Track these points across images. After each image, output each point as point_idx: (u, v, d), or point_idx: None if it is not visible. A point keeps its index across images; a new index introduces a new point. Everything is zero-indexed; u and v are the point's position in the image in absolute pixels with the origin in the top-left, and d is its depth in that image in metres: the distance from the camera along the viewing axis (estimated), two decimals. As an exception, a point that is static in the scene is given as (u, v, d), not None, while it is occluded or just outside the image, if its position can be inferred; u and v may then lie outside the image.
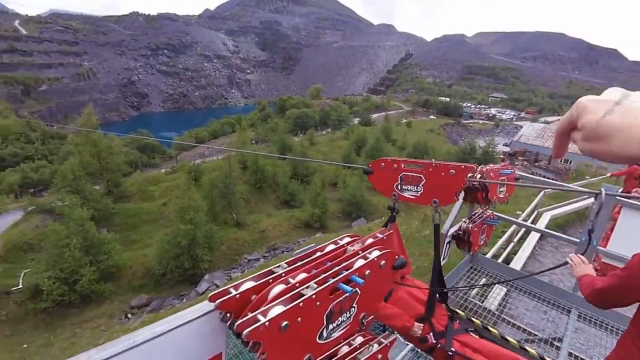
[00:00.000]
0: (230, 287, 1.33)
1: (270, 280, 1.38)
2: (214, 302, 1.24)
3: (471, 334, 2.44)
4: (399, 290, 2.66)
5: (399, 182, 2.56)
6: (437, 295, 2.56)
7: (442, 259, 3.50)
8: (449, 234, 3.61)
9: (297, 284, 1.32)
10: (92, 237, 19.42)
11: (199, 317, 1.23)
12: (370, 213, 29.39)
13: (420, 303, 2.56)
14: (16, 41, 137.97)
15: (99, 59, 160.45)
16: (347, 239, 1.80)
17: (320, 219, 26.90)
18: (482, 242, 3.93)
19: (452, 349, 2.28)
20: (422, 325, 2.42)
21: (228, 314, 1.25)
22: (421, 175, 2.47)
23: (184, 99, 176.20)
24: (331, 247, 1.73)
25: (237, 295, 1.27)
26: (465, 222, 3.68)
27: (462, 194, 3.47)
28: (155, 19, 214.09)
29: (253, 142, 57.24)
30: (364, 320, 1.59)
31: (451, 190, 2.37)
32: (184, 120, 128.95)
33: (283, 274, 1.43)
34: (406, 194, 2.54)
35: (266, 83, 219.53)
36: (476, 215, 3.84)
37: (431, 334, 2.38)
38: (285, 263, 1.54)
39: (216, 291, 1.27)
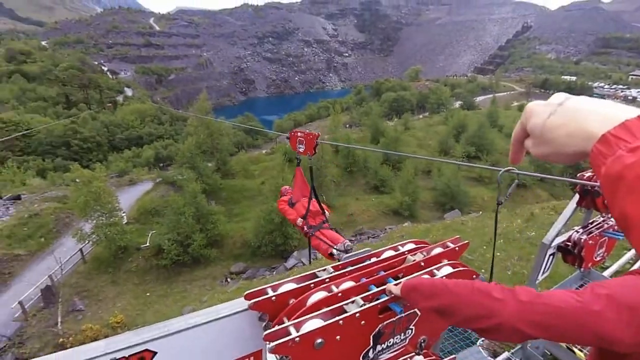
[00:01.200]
0: (269, 287, 1.29)
1: (312, 285, 1.29)
2: (249, 300, 1.21)
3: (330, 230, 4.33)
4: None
5: None
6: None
7: (541, 273, 2.97)
8: (553, 244, 2.98)
9: (340, 294, 1.19)
10: (203, 208, 22.19)
11: (235, 313, 1.22)
12: (466, 205, 27.23)
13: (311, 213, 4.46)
14: (151, 36, 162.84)
15: (215, 50, 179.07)
16: (411, 246, 1.57)
17: (409, 208, 25.97)
18: (599, 258, 3.18)
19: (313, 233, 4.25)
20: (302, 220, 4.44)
21: (264, 315, 1.22)
22: None
23: (285, 84, 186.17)
24: (389, 253, 1.53)
25: (274, 298, 1.22)
26: (578, 232, 3.01)
27: (577, 197, 2.85)
28: (262, 8, 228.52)
29: (347, 125, 57.66)
30: (423, 344, 1.39)
31: None
32: (284, 104, 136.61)
33: (327, 280, 1.32)
34: None
35: (363, 66, 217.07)
36: (594, 224, 3.12)
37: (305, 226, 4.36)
38: (332, 267, 1.42)
39: (253, 290, 1.25)
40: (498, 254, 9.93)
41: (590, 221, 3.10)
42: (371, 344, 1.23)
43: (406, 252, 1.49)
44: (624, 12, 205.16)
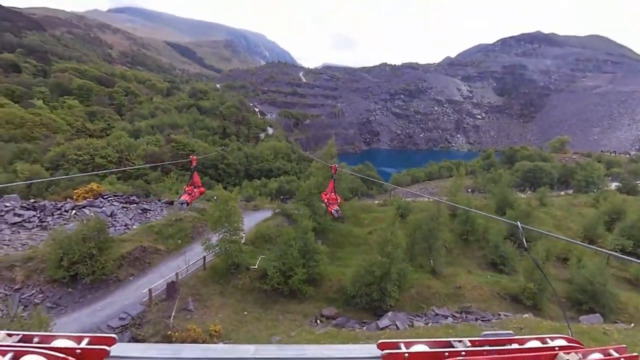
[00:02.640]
0: (402, 342, 1.27)
1: (447, 354, 1.22)
2: (382, 350, 1.21)
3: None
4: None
5: None
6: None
7: None
8: None
9: None
10: (310, 244, 23.17)
11: (367, 357, 1.23)
12: (611, 311, 21.65)
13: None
14: (298, 87, 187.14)
15: (349, 102, 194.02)
16: (562, 342, 1.36)
17: (534, 297, 21.93)
18: None
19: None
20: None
21: None
22: None
23: (409, 139, 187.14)
24: (535, 343, 1.36)
25: (407, 355, 1.19)
26: None
27: None
28: (399, 68, 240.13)
29: (469, 190, 53.77)
30: None
31: None
32: (405, 159, 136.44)
33: (463, 353, 1.23)
34: None
35: (497, 130, 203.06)
36: None
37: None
38: (469, 341, 1.34)
39: (386, 340, 1.25)
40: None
41: None
42: None
43: (557, 348, 1.31)
44: None
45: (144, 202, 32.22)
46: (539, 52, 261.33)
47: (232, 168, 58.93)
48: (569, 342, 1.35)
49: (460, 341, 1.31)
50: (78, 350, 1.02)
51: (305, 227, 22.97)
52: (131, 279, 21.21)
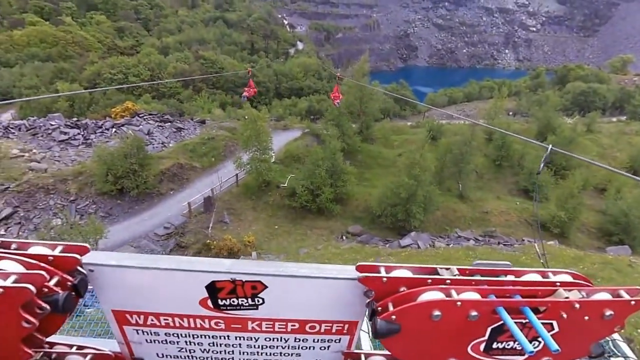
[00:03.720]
0: (383, 266, 1.23)
1: (429, 281, 1.16)
2: (360, 273, 1.18)
3: None
4: None
5: None
6: None
7: None
8: None
9: (459, 303, 1.07)
10: (338, 165, 23.46)
11: (344, 278, 1.22)
12: (643, 244, 21.21)
13: None
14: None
15: (386, 11, 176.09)
16: (566, 277, 1.24)
17: (562, 225, 21.66)
18: None
19: None
20: None
21: (370, 292, 1.18)
22: None
23: (449, 55, 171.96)
24: (534, 277, 1.25)
25: (385, 279, 1.16)
26: None
27: None
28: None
29: (510, 113, 50.40)
30: None
31: None
32: (444, 77, 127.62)
33: (448, 281, 1.17)
34: None
35: (552, 45, 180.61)
36: None
37: None
38: (457, 269, 1.25)
39: (366, 263, 1.21)
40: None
41: None
42: (486, 337, 1.14)
43: (558, 284, 1.20)
44: None
45: (178, 121, 33.06)
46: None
47: (262, 86, 57.78)
48: (574, 279, 1.24)
49: (447, 269, 1.23)
50: (50, 257, 1.05)
51: (333, 147, 23.03)
52: (171, 193, 22.90)
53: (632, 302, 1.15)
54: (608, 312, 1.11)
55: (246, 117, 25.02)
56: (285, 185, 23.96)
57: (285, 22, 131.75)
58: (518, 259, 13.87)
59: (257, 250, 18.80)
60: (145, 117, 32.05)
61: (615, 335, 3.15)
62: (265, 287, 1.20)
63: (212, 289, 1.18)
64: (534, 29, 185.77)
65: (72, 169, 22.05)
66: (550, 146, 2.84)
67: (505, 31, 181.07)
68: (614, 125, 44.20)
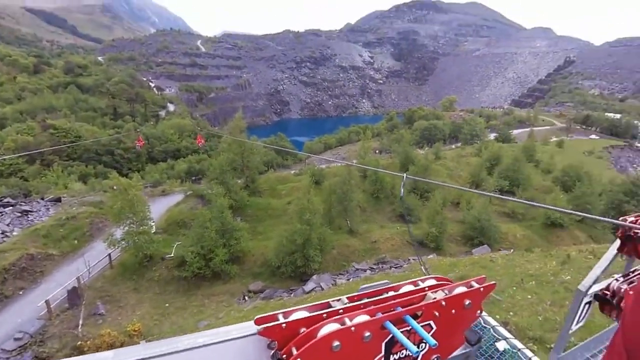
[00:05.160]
0: (280, 313, 1.26)
1: (325, 315, 1.24)
2: (259, 325, 1.18)
3: None
4: None
5: None
6: None
7: (575, 323, 2.71)
8: (589, 292, 2.70)
9: (353, 328, 1.14)
10: (228, 223, 22.51)
11: (244, 336, 1.20)
12: (496, 242, 25.95)
13: None
14: (197, 57, 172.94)
15: (255, 72, 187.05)
16: (432, 282, 1.51)
17: (436, 240, 25.08)
18: (641, 311, 2.85)
19: None
20: None
21: (272, 343, 1.19)
22: None
23: (318, 107, 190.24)
24: (408, 288, 1.47)
25: (284, 325, 1.19)
26: (618, 281, 2.72)
27: (618, 242, 2.62)
28: (302, 35, 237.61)
29: (376, 151, 57.51)
30: None
31: None
32: (316, 127, 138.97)
33: (341, 311, 1.27)
34: None
35: (397, 93, 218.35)
36: (635, 273, 2.81)
37: None
38: (347, 298, 1.38)
39: (264, 315, 1.22)
40: (529, 296, 9.31)
41: (633, 269, 2.81)
42: (383, 352, 1.22)
43: (426, 289, 1.43)
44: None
45: (23, 203, 27.31)
46: (428, 18, 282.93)
47: (132, 152, 53.00)
48: (438, 281, 1.48)
49: (338, 300, 1.34)
50: None
51: (221, 206, 22.16)
52: (21, 293, 18.22)
53: (481, 289, 1.41)
54: (467, 302, 1.34)
55: (115, 187, 22.30)
56: (172, 255, 21.68)
57: (152, 84, 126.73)
58: (408, 277, 15.20)
59: (145, 338, 16.05)
60: (-27, 205, 25.54)
61: (494, 322, 3.66)
62: (162, 369, 1.04)
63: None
64: (381, 81, 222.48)
65: None
66: (405, 175, 3.28)
67: (360, 84, 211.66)
68: (454, 151, 54.54)
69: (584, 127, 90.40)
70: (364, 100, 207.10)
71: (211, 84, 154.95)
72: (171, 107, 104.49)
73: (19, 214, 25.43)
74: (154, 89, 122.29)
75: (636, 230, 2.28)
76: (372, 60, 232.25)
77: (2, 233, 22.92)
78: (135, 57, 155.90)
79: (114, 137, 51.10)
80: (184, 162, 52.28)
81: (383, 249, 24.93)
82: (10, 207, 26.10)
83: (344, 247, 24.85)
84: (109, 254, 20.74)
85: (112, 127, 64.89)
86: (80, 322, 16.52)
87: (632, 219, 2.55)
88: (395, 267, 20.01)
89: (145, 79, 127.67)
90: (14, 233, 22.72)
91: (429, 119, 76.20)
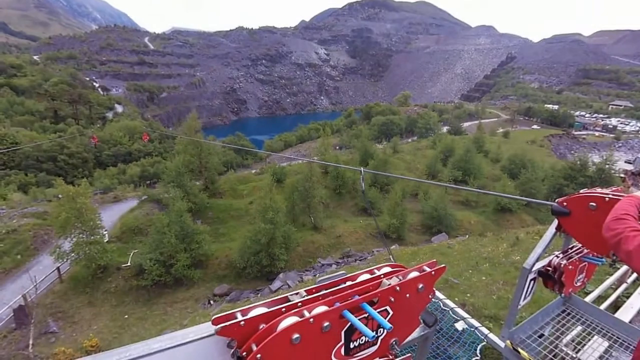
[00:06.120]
0: (238, 311, 1.24)
1: (284, 310, 1.24)
2: (216, 325, 1.15)
3: None
4: None
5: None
6: None
7: (522, 299, 2.93)
8: (533, 269, 2.93)
9: (312, 320, 1.15)
10: (188, 227, 21.72)
11: (202, 338, 1.17)
12: (453, 229, 27.38)
13: None
14: (145, 55, 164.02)
15: (209, 70, 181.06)
16: (387, 269, 1.57)
17: (397, 230, 25.95)
18: (579, 284, 3.15)
19: None
20: None
21: (232, 341, 1.16)
22: None
23: (276, 105, 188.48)
24: (365, 276, 1.52)
25: (242, 322, 1.17)
26: (558, 257, 2.98)
27: (556, 222, 2.85)
28: (257, 32, 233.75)
29: (337, 147, 58.18)
30: (395, 345, 1.44)
31: None
32: (275, 125, 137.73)
33: (299, 304, 1.29)
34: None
35: (354, 90, 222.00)
36: (573, 249, 3.09)
37: None
38: (305, 291, 1.40)
39: (221, 314, 1.19)
40: (484, 277, 9.90)
41: (570, 246, 3.09)
42: (343, 340, 1.25)
43: (382, 276, 1.48)
44: (603, 45, 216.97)
45: (-50, 219, 24.48)
46: (381, 16, 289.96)
47: (77, 158, 49.26)
48: (392, 268, 1.56)
49: (297, 293, 1.35)
50: None
51: (179, 209, 21.34)
52: (-44, 318, 16.39)
53: (432, 273, 1.48)
54: (420, 285, 1.41)
55: (59, 195, 20.65)
56: (129, 264, 20.52)
57: (96, 84, 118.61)
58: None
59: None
60: None
61: (452, 304, 3.88)
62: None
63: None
64: (338, 78, 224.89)
65: None
66: (362, 169, 3.37)
67: (317, 81, 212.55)
68: (410, 144, 56.53)
69: (527, 118, 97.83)
70: (322, 98, 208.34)
71: (162, 83, 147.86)
72: (119, 109, 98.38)
73: (-53, 231, 22.83)
74: (99, 89, 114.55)
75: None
76: (328, 58, 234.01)
77: None
78: (76, 56, 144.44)
79: (56, 142, 47.21)
80: (136, 165, 49.50)
81: (348, 243, 25.37)
82: None
83: (309, 243, 24.96)
84: (58, 268, 19.23)
85: (53, 131, 59.73)
86: (31, 342, 15.18)
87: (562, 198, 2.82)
88: (360, 260, 20.44)
89: (88, 79, 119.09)
90: (-58, 253, 20.38)
91: (386, 114, 78.30)
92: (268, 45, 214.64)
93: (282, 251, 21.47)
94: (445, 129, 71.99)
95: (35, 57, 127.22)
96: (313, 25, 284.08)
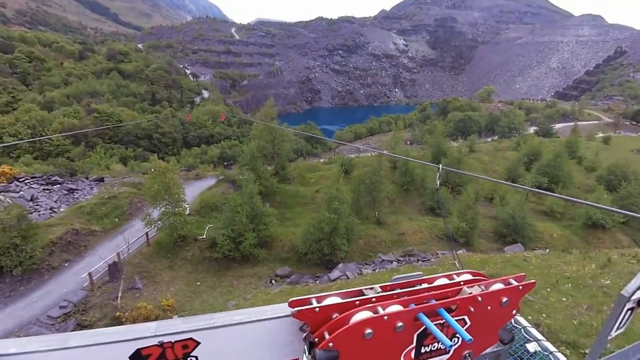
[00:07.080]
0: (314, 297, 1.27)
1: (358, 303, 1.25)
2: (293, 308, 1.20)
3: None
4: None
5: None
6: None
7: (615, 329, 2.62)
8: (633, 297, 2.58)
9: (386, 317, 1.14)
10: (258, 208, 23.05)
11: (278, 317, 1.22)
12: (531, 240, 24.92)
13: None
14: (231, 44, 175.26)
15: (287, 59, 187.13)
16: (467, 276, 1.48)
17: (466, 235, 24.44)
18: (685, 319, 2.71)
19: None
20: None
21: (305, 325, 1.21)
22: None
23: (349, 95, 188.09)
24: (443, 281, 1.46)
25: (317, 309, 1.20)
26: None
27: None
28: (336, 22, 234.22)
29: (408, 142, 56.41)
30: (468, 358, 1.38)
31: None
32: (347, 116, 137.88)
33: (373, 299, 1.28)
34: None
35: (431, 83, 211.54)
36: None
37: None
38: (380, 287, 1.38)
39: (298, 298, 1.23)
40: (564, 299, 8.96)
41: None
42: (414, 343, 1.22)
43: (462, 283, 1.41)
44: None
45: (69, 182, 29.23)
46: (467, 4, 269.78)
47: (168, 137, 55.09)
48: (474, 276, 1.46)
49: (371, 288, 1.35)
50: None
51: (251, 191, 22.68)
52: (67, 264, 19.66)
53: (520, 287, 1.38)
54: (504, 299, 1.31)
55: (153, 169, 23.35)
56: (204, 236, 22.54)
57: (188, 71, 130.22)
58: (436, 271, 14.99)
59: (178, 313, 16.95)
60: (26, 181, 27.63)
61: (525, 323, 3.60)
62: (198, 343, 1.11)
63: (138, 357, 1.04)
64: (415, 70, 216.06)
65: None
66: (440, 166, 3.26)
67: (393, 73, 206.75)
68: (489, 144, 52.44)
69: (634, 123, 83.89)
70: (396, 90, 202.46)
71: (244, 72, 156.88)
72: (205, 94, 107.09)
73: (66, 192, 27.31)
74: (190, 75, 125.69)
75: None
76: (406, 48, 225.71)
77: (51, 209, 24.73)
78: (172, 45, 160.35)
79: (152, 122, 53.25)
80: (216, 147, 53.71)
81: (410, 242, 24.67)
82: (58, 185, 28.05)
83: (371, 237, 24.81)
84: (146, 233, 21.87)
85: (150, 112, 67.60)
86: (120, 294, 17.64)
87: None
88: (422, 261, 19.78)
89: (181, 66, 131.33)
90: (61, 209, 24.47)
91: (464, 110, 73.42)
92: (345, 35, 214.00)
93: (343, 242, 21.69)
94: (532, 129, 65.25)
95: (139, 45, 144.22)
96: (393, 15, 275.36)
